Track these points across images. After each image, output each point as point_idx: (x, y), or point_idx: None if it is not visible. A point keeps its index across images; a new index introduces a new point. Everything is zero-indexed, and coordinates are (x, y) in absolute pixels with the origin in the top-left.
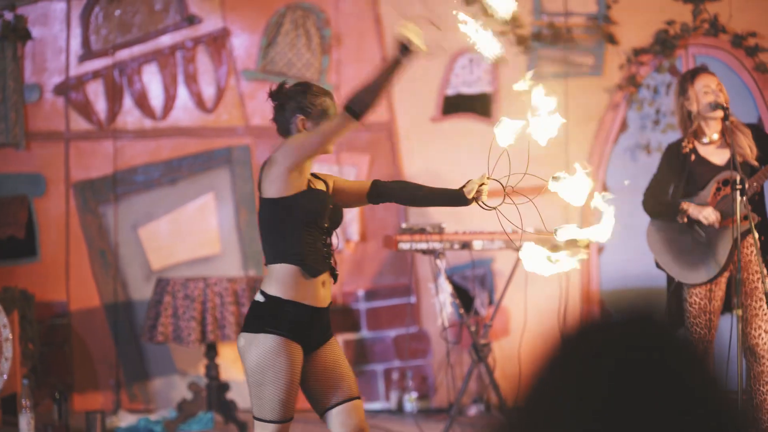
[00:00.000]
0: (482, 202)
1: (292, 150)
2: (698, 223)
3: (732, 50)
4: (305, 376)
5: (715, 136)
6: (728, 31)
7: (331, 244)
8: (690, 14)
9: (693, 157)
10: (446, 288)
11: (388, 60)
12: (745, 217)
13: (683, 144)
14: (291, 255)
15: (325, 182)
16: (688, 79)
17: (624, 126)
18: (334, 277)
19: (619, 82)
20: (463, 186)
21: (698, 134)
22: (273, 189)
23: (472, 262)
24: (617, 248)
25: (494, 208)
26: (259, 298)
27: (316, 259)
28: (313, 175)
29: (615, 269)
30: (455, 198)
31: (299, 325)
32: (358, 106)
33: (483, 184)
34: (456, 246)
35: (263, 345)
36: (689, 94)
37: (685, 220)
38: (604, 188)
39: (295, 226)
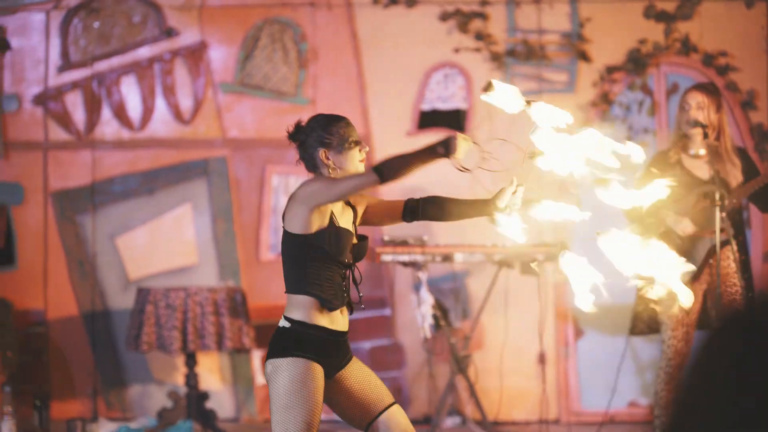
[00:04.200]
0: (516, 212)
1: (314, 193)
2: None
3: (703, 69)
4: (336, 399)
5: (702, 152)
6: (699, 51)
7: (348, 278)
8: (662, 33)
9: (678, 168)
10: (428, 300)
11: (431, 145)
12: (721, 230)
13: (670, 154)
14: (310, 289)
15: (354, 209)
16: (684, 93)
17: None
18: (351, 310)
19: (592, 99)
20: (495, 195)
21: (686, 146)
22: (294, 225)
23: (453, 274)
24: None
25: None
26: (283, 324)
27: (335, 294)
28: (348, 203)
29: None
30: (488, 209)
31: (323, 348)
32: (387, 170)
33: (515, 192)
34: (438, 258)
35: (292, 369)
36: (682, 105)
37: (662, 229)
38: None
39: (315, 262)
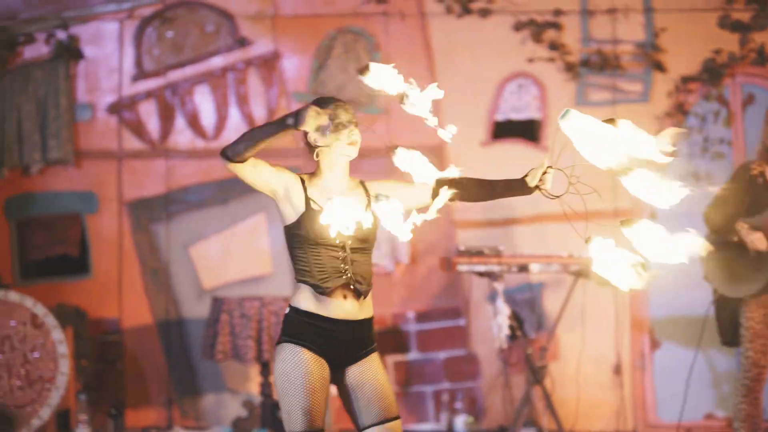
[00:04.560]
0: (545, 191)
1: None
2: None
3: None
4: (342, 392)
5: None
6: None
7: (348, 260)
8: (737, 43)
9: (760, 180)
10: (504, 310)
11: (281, 117)
12: None
13: (752, 166)
14: (303, 275)
15: (368, 192)
16: None
17: (672, 153)
18: (358, 292)
19: (667, 110)
20: (526, 175)
21: None
22: (282, 217)
23: (529, 285)
24: (665, 274)
25: (557, 197)
26: (286, 311)
27: (326, 278)
28: (365, 187)
29: (663, 297)
30: (518, 188)
31: (321, 336)
32: (233, 147)
33: (545, 172)
34: (514, 269)
35: (283, 354)
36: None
37: (735, 239)
38: (653, 215)
39: (300, 249)
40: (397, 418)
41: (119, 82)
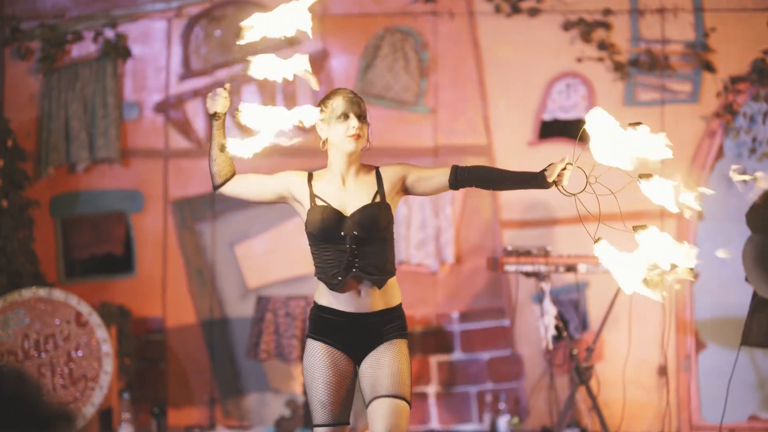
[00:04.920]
0: (562, 187)
1: None
2: None
3: None
4: (360, 377)
5: None
6: None
7: (356, 252)
8: None
9: None
10: (551, 311)
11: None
12: None
13: None
14: (318, 272)
15: (380, 181)
16: None
17: (720, 154)
18: (372, 278)
19: (716, 110)
20: (544, 169)
21: None
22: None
23: (576, 285)
24: (711, 275)
25: (573, 195)
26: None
27: (334, 273)
28: (378, 174)
29: (710, 296)
30: (535, 181)
31: (338, 330)
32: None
33: (565, 168)
34: (561, 269)
35: (306, 350)
36: None
37: None
38: (700, 217)
39: (313, 247)
40: (404, 399)
41: (166, 81)
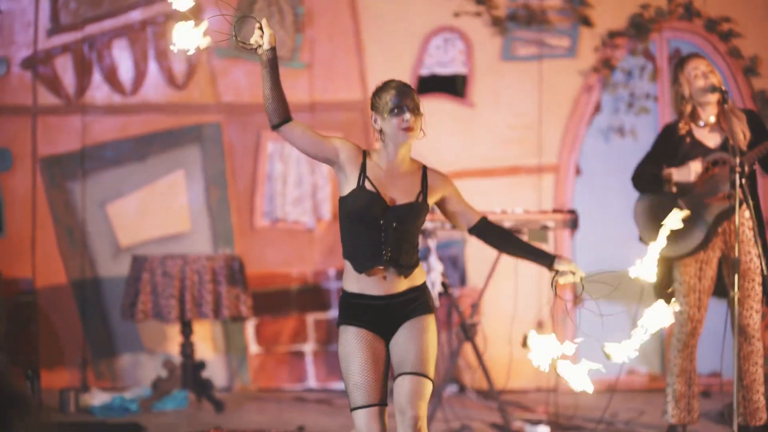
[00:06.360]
0: (558, 287)
1: None
2: (681, 196)
3: (706, 35)
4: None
5: (711, 119)
6: (702, 16)
7: (386, 240)
8: None
9: (688, 139)
10: (437, 267)
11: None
12: (730, 196)
13: (680, 126)
14: (346, 252)
15: (426, 183)
16: (677, 65)
17: (598, 108)
18: (400, 269)
19: (594, 65)
20: (559, 257)
21: (695, 117)
22: (340, 189)
23: (451, 241)
24: (589, 231)
25: (559, 297)
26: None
27: (365, 256)
28: (425, 174)
29: (589, 252)
30: (541, 261)
31: (367, 312)
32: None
33: (575, 278)
34: (447, 225)
35: (341, 337)
36: (681, 80)
37: (674, 189)
38: (578, 171)
39: (346, 223)
40: (426, 377)
41: (35, 37)
